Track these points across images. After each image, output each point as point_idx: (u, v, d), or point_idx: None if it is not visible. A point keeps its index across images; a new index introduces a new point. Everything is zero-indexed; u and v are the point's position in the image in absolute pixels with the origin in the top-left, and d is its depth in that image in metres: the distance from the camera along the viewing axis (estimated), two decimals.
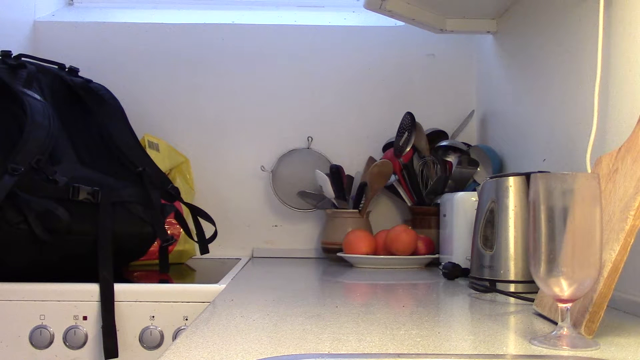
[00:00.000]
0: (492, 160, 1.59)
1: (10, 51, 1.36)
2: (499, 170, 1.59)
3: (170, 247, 1.47)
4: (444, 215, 1.43)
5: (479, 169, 1.63)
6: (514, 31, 1.55)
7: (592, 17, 1.08)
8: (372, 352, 0.66)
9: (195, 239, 1.50)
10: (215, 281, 1.21)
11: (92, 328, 1.13)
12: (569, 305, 0.71)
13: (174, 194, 1.45)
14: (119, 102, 1.51)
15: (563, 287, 0.69)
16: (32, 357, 1.12)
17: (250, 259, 1.75)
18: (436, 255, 1.54)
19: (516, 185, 1.12)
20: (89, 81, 1.52)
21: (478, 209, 1.19)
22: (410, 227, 1.58)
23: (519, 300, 1.02)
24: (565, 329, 0.70)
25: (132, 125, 1.50)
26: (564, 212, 0.70)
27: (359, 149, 1.86)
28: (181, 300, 1.14)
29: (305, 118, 1.87)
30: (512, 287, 1.09)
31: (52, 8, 1.96)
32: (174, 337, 1.13)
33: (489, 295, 1.09)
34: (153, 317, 1.13)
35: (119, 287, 1.14)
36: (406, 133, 1.68)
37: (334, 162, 1.79)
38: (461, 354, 0.67)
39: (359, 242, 1.55)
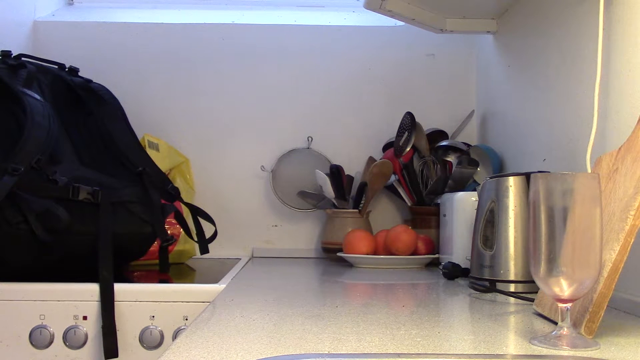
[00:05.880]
0: (492, 160, 1.59)
1: (10, 51, 1.36)
2: (499, 170, 1.59)
3: (170, 247, 1.47)
4: (444, 215, 1.43)
5: (479, 169, 1.63)
6: (514, 31, 1.55)
7: (592, 17, 1.08)
8: (372, 352, 0.66)
9: (195, 239, 1.50)
10: (215, 281, 1.20)
11: (92, 328, 1.13)
12: (569, 305, 0.71)
13: (174, 194, 1.45)
14: (119, 102, 1.51)
15: (563, 287, 0.69)
16: (32, 357, 1.12)
17: (250, 259, 1.75)
18: (436, 255, 1.54)
19: (516, 185, 1.12)
20: (89, 81, 1.52)
21: (478, 209, 1.19)
22: (410, 227, 1.58)
23: (519, 300, 1.02)
24: (565, 329, 0.70)
25: (132, 125, 1.50)
26: (564, 212, 0.70)
27: (359, 149, 1.86)
28: (181, 300, 1.14)
29: (305, 118, 1.87)
30: (512, 287, 1.09)
31: (52, 8, 1.96)
32: (174, 337, 1.13)
33: (489, 295, 1.09)
34: (153, 317, 1.13)
35: (119, 287, 1.14)
36: (406, 133, 1.68)
37: (334, 162, 1.79)
38: (461, 354, 0.67)
39: (359, 242, 1.55)
